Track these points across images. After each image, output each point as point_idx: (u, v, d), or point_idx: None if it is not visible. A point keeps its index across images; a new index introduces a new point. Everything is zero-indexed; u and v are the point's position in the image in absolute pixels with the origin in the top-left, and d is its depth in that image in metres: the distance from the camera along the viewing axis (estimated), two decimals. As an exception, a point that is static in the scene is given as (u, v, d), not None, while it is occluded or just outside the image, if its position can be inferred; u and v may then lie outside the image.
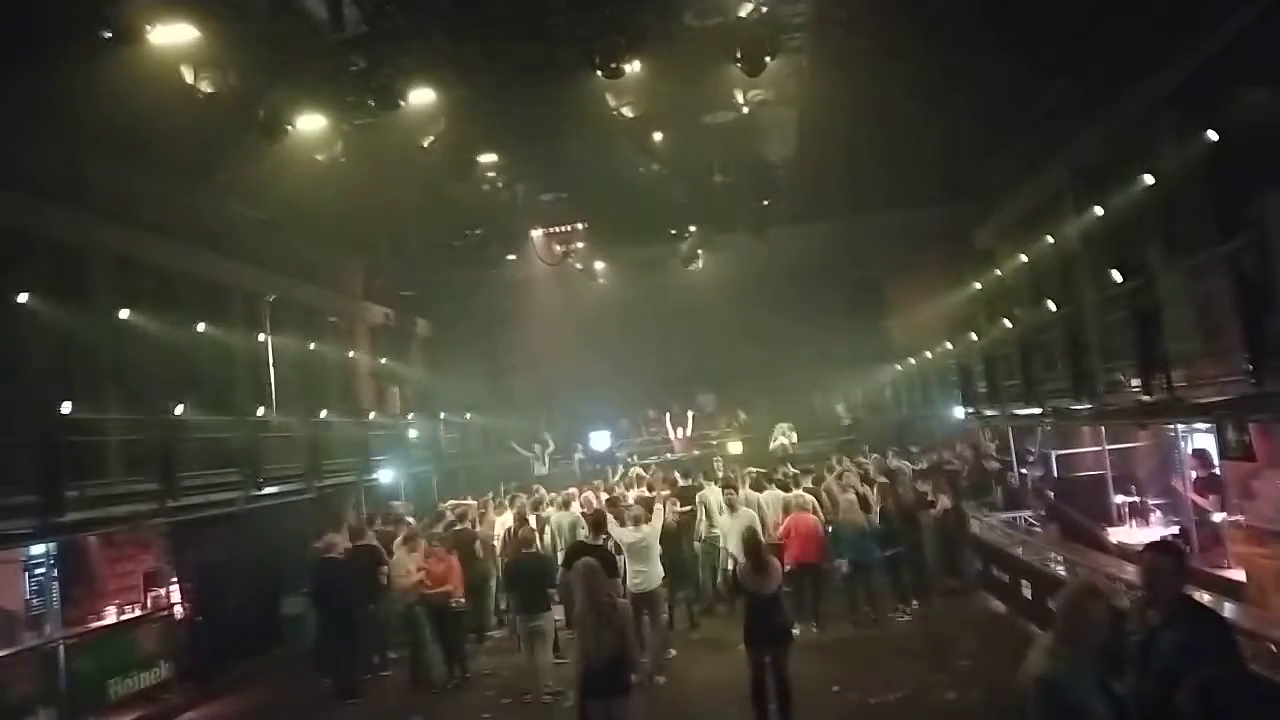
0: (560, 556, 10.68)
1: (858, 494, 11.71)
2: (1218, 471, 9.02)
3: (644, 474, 14.74)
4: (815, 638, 10.39)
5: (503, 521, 12.30)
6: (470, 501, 13.75)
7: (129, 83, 10.74)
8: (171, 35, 9.52)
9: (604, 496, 12.57)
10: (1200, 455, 9.25)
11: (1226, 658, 3.99)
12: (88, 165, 12.06)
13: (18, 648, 9.52)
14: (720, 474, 13.37)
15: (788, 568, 9.59)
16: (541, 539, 11.13)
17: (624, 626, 6.37)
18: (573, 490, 13.50)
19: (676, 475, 14.43)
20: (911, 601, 11.31)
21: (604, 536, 9.51)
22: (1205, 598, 7.14)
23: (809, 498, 11.37)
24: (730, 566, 10.06)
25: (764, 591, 7.65)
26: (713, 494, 12.10)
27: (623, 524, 9.74)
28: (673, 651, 10.42)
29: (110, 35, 8.95)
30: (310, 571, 11.14)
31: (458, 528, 11.96)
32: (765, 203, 17.56)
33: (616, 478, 15.81)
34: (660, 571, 9.66)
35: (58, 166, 11.44)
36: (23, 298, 10.67)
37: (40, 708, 9.30)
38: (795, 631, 9.16)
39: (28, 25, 10.08)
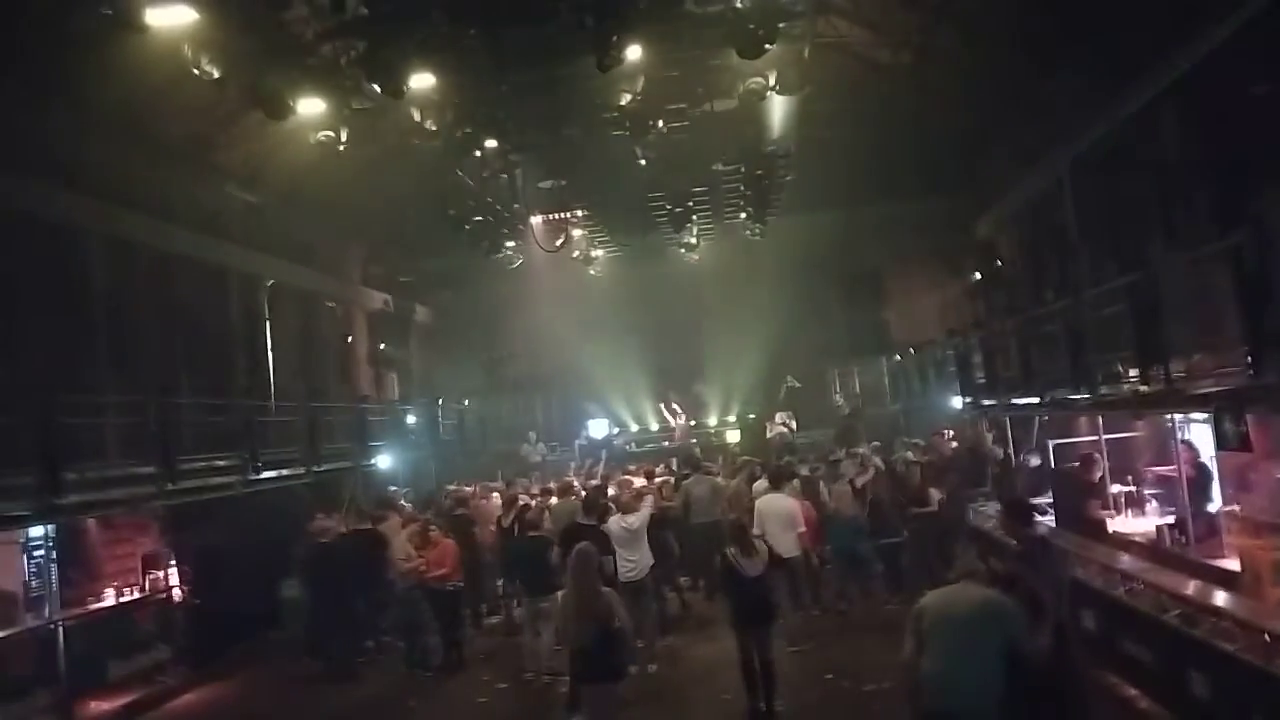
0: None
1: (852, 484, 11.76)
2: (1204, 461, 9.05)
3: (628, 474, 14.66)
4: (809, 625, 10.44)
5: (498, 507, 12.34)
6: (469, 488, 13.80)
7: (128, 64, 10.71)
8: (170, 16, 9.46)
9: (592, 484, 12.65)
10: (1188, 445, 9.29)
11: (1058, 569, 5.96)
12: (87, 147, 12.01)
13: (17, 629, 9.55)
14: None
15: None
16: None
17: (607, 615, 6.40)
18: (572, 478, 13.56)
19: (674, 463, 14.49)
20: (907, 589, 11.34)
21: (595, 517, 9.62)
22: (1193, 585, 7.20)
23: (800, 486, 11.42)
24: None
25: (749, 574, 7.85)
26: (698, 485, 12.21)
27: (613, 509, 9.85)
28: (669, 638, 10.49)
29: (110, 12, 8.87)
30: (306, 555, 11.17)
31: (457, 512, 12.01)
32: (765, 193, 17.53)
33: (588, 467, 15.85)
34: (649, 560, 9.70)
35: (56, 148, 11.38)
36: (21, 280, 10.64)
37: (39, 688, 9.34)
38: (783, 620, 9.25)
39: (26, 4, 10.03)
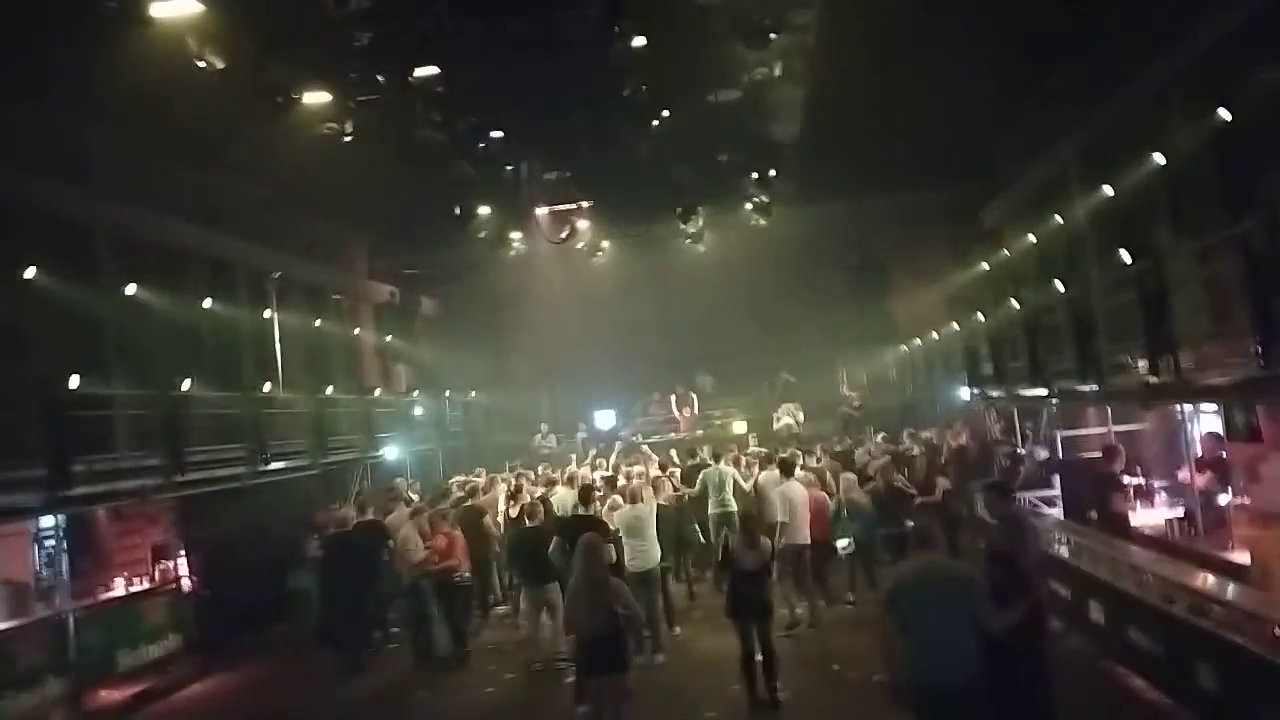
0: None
1: (862, 472, 11.77)
2: (1219, 451, 8.99)
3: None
4: (818, 615, 10.44)
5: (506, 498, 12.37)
6: (478, 478, 13.81)
7: (133, 57, 10.69)
8: (174, 8, 9.46)
9: (600, 475, 12.68)
10: (1205, 436, 9.22)
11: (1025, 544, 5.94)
12: (93, 141, 12.02)
13: (28, 619, 9.62)
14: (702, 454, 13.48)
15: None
16: (547, 514, 11.20)
17: (616, 603, 6.40)
18: (574, 468, 13.60)
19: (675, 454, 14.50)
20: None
21: (592, 507, 9.66)
22: (1202, 576, 7.18)
23: (812, 476, 11.42)
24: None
25: (747, 566, 7.89)
26: (715, 475, 12.22)
27: (620, 502, 9.85)
28: (677, 629, 10.51)
29: (114, 4, 8.86)
30: (316, 546, 11.22)
31: (467, 504, 12.03)
32: (770, 183, 17.50)
33: (591, 459, 15.82)
34: (657, 550, 9.72)
35: (63, 142, 11.40)
36: (30, 273, 10.68)
37: (50, 677, 9.42)
38: (790, 611, 9.31)
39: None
